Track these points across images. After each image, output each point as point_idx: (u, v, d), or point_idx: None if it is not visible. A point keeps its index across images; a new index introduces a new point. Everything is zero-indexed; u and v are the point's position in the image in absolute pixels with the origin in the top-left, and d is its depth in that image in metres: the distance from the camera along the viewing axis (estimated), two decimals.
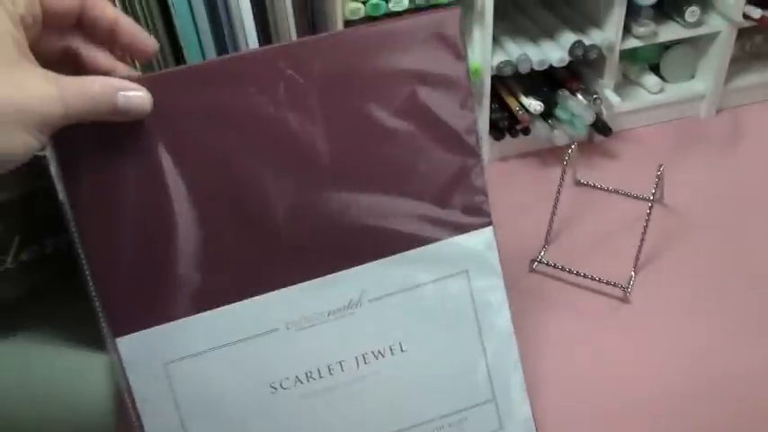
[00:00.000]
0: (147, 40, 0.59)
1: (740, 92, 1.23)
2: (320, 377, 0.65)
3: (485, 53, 1.02)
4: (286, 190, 0.61)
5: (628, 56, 1.17)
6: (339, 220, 0.62)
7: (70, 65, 0.58)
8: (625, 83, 1.22)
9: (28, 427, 0.75)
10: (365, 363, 0.66)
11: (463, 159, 0.64)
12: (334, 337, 0.65)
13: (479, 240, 0.66)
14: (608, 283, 0.91)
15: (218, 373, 0.63)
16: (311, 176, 0.61)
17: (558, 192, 0.96)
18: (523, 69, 1.04)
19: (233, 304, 0.62)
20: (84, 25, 0.57)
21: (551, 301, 0.91)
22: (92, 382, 0.75)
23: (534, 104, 1.06)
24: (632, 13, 1.08)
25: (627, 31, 1.10)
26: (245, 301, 0.62)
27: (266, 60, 0.60)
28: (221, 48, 0.90)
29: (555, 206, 0.97)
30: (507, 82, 1.10)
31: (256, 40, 0.90)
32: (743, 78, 1.24)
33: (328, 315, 0.64)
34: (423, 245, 0.65)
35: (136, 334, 0.61)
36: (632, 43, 1.11)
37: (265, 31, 0.91)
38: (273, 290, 0.63)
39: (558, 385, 0.81)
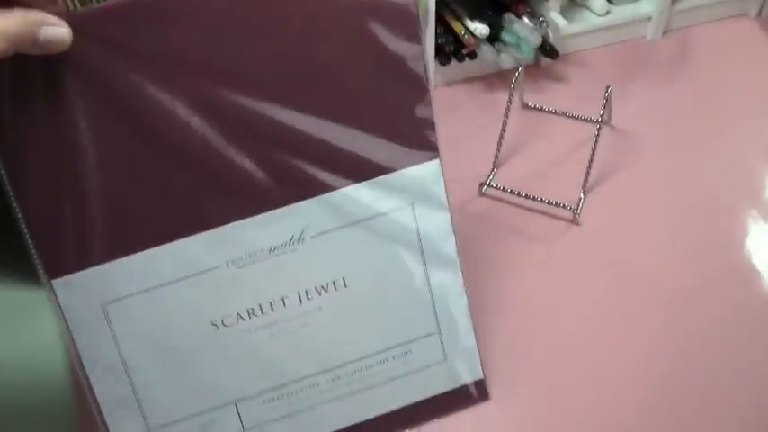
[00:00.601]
0: None
1: (687, 13, 1.23)
2: (262, 313, 0.64)
3: None
4: (223, 125, 0.59)
5: None
6: (281, 155, 0.60)
7: None
8: (571, 5, 1.20)
9: None
10: (308, 298, 0.65)
11: (410, 90, 0.62)
12: (275, 274, 0.63)
13: (425, 173, 0.65)
14: (557, 205, 0.91)
15: (157, 311, 0.62)
16: (251, 111, 0.59)
17: (506, 116, 0.95)
18: None
19: (171, 243, 0.61)
20: None
21: (501, 225, 0.91)
22: (40, 320, 0.74)
23: (480, 28, 1.05)
24: None
25: None
26: (184, 239, 0.61)
27: None
28: None
29: (503, 130, 0.96)
30: (452, 6, 1.09)
31: None
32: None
33: (270, 251, 0.63)
34: (367, 179, 0.63)
35: (72, 275, 0.60)
36: None
37: None
38: (213, 227, 0.61)
39: (506, 310, 0.81)
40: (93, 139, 0.56)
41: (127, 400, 0.64)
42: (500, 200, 0.94)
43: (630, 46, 1.21)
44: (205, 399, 0.66)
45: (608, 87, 0.94)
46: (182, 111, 0.57)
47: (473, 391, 0.72)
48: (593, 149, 0.91)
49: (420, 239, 0.66)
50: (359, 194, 0.63)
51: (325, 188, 0.62)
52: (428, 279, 0.68)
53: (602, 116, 0.92)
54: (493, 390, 0.74)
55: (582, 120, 1.04)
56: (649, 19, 1.21)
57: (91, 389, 0.63)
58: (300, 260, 0.63)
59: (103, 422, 0.64)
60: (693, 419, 0.71)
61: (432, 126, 0.64)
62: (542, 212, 0.92)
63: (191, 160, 0.59)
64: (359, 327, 0.67)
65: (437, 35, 1.07)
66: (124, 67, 0.55)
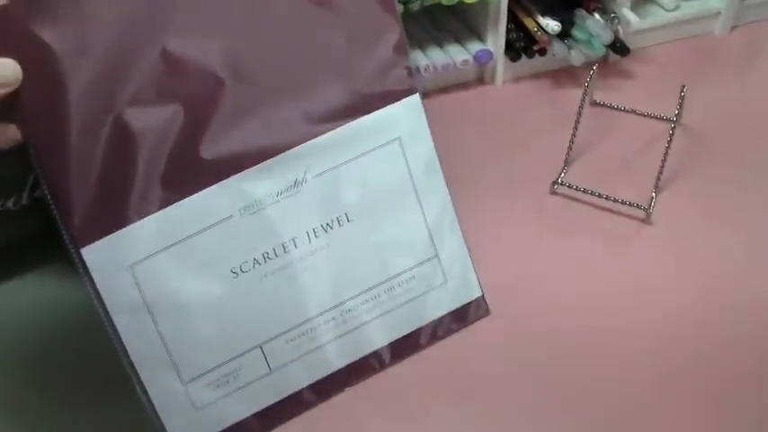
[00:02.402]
0: None
1: (756, 8, 1.22)
2: (276, 256, 0.68)
3: None
4: (219, 84, 0.64)
5: None
6: (274, 105, 0.66)
7: None
8: (640, 0, 1.20)
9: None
10: (315, 237, 0.70)
11: (383, 30, 0.68)
12: (284, 216, 0.68)
13: (407, 107, 0.70)
14: (630, 204, 0.91)
15: (181, 265, 0.65)
16: (243, 67, 0.64)
17: (579, 114, 0.95)
18: None
19: (188, 198, 0.64)
20: None
21: (572, 223, 0.91)
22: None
23: (552, 25, 1.04)
24: None
25: None
26: (198, 194, 0.65)
27: None
28: None
29: (575, 129, 0.96)
30: (523, 2, 1.08)
31: None
32: None
33: (277, 195, 0.67)
34: (354, 118, 0.68)
35: (99, 242, 0.63)
36: None
37: None
38: (223, 179, 0.65)
39: (574, 305, 0.82)
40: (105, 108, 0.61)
41: (159, 357, 0.67)
42: (572, 198, 0.94)
43: (699, 41, 1.21)
44: (232, 346, 0.69)
45: (683, 87, 0.93)
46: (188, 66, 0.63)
47: (475, 308, 0.79)
48: (667, 149, 0.91)
49: (410, 170, 0.72)
50: (349, 134, 0.68)
51: (317, 131, 0.67)
52: (421, 206, 0.73)
53: (677, 115, 0.91)
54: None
55: (653, 117, 1.04)
56: (718, 14, 1.20)
57: (125, 351, 0.65)
58: (305, 201, 0.68)
59: (139, 381, 0.66)
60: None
61: (407, 62, 0.70)
62: (614, 211, 0.92)
63: (196, 123, 0.64)
64: (364, 259, 0.72)
65: (508, 31, 1.07)
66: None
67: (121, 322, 0.65)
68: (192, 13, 0.63)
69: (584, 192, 0.93)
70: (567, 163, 0.97)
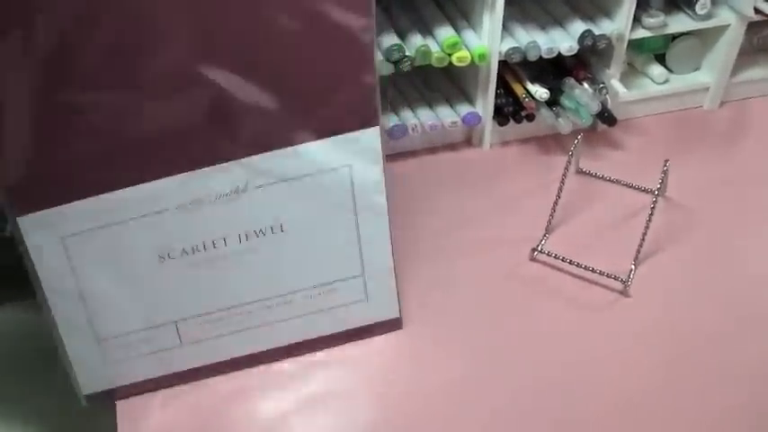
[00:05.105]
0: None
1: (745, 85, 1.23)
2: (204, 250, 0.73)
3: (493, 39, 1.01)
4: (173, 85, 0.65)
5: (634, 45, 1.16)
6: (233, 115, 0.67)
7: None
8: (630, 72, 1.21)
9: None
10: (246, 239, 0.73)
11: (356, 60, 0.68)
12: (219, 217, 0.72)
13: (365, 138, 0.72)
14: (608, 275, 0.91)
15: (110, 244, 0.70)
16: (204, 73, 0.65)
17: (562, 182, 0.96)
18: (532, 57, 1.03)
19: (130, 187, 0.68)
20: None
21: (548, 291, 0.91)
22: None
23: (540, 92, 1.05)
24: (642, 2, 1.08)
25: (636, 20, 1.08)
26: (141, 185, 0.68)
27: None
28: None
29: (558, 196, 0.96)
30: (514, 68, 1.09)
31: None
32: (748, 72, 1.23)
33: (216, 198, 0.71)
34: (312, 140, 0.70)
35: (35, 214, 0.67)
36: (641, 34, 1.10)
37: None
38: (166, 176, 0.68)
39: (547, 376, 0.81)
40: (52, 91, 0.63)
41: (79, 318, 0.73)
42: (551, 266, 0.94)
43: (687, 115, 1.21)
44: (149, 318, 0.75)
45: (666, 161, 0.94)
46: (134, 67, 0.64)
47: (388, 325, 0.83)
48: (648, 221, 0.91)
49: (354, 195, 0.74)
50: (303, 153, 0.70)
51: (272, 145, 0.69)
52: (358, 229, 0.76)
53: (659, 188, 0.92)
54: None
55: (636, 189, 1.04)
56: (707, 89, 1.21)
57: (49, 311, 0.73)
58: (242, 207, 0.71)
59: (59, 338, 0.74)
60: None
61: (373, 95, 0.70)
62: (592, 281, 0.92)
63: (146, 119, 0.66)
64: (290, 265, 0.76)
65: (497, 95, 1.07)
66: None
67: (49, 287, 0.71)
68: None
69: (563, 260, 0.93)
70: (548, 230, 0.97)
